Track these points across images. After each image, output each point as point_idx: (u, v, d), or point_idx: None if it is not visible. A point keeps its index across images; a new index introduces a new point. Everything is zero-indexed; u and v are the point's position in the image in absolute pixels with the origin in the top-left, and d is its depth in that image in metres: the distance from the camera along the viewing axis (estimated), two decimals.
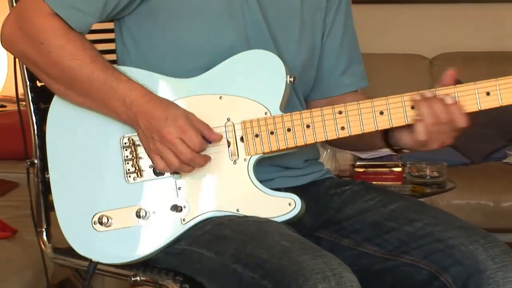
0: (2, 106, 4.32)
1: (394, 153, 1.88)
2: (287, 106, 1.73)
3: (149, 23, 1.75)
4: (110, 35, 1.91)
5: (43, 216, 1.93)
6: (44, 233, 1.96)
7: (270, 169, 1.77)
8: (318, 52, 1.91)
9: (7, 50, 1.76)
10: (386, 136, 1.77)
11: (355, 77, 1.97)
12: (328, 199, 1.85)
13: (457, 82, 1.70)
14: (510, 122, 4.23)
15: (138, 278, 1.76)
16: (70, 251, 1.86)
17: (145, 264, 1.78)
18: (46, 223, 1.95)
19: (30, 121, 1.94)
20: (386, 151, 1.90)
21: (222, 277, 1.63)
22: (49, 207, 1.90)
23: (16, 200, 3.24)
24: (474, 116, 1.70)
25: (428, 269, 1.68)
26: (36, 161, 1.90)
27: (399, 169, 3.14)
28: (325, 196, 1.86)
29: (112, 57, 1.85)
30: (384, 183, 3.11)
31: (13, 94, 1.95)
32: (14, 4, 1.87)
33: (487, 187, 3.87)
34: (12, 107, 4.27)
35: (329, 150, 3.10)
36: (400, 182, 3.14)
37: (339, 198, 1.84)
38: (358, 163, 3.16)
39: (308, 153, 1.87)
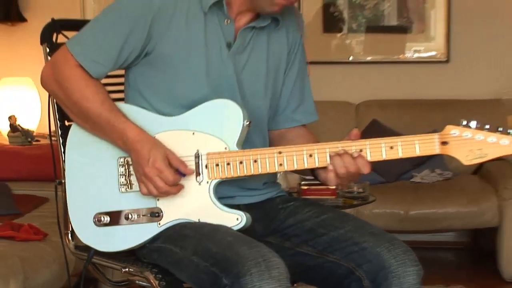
0: (37, 140, 4.31)
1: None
2: (248, 143, 1.73)
3: (150, 74, 1.77)
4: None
5: (69, 222, 1.93)
6: (69, 235, 1.98)
7: (233, 188, 1.78)
8: (278, 99, 1.89)
9: (44, 88, 1.80)
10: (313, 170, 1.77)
11: (305, 114, 1.93)
12: (277, 213, 1.84)
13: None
14: None
15: (127, 269, 1.79)
16: (86, 248, 1.87)
17: (136, 259, 1.81)
18: (71, 227, 1.96)
19: (60, 150, 1.95)
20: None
21: (185, 267, 1.65)
22: None
23: (46, 211, 3.24)
24: None
25: (346, 266, 1.70)
26: (63, 181, 1.91)
27: (333, 187, 3.15)
28: (275, 210, 1.85)
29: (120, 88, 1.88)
30: (322, 197, 3.09)
31: (45, 131, 1.96)
32: (49, 57, 1.91)
33: (399, 200, 3.87)
34: (43, 141, 4.24)
35: (282, 172, 3.11)
36: (334, 196, 3.11)
37: (284, 212, 1.84)
38: (303, 182, 3.16)
39: (267, 176, 1.84)
